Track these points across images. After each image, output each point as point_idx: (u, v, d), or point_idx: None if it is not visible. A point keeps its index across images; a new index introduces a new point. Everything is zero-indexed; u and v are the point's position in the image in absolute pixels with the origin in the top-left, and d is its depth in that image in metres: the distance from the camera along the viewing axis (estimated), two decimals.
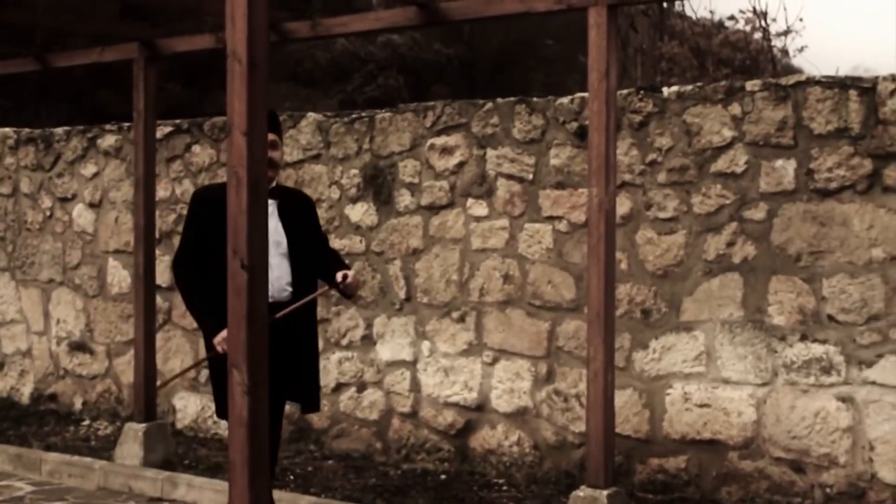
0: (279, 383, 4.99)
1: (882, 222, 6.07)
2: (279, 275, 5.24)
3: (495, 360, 7.34)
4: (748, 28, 15.33)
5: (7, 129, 10.10)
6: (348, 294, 5.47)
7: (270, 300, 4.72)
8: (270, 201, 5.06)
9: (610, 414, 5.90)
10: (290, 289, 5.32)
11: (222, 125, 8.49)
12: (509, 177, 7.30)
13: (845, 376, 6.15)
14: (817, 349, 6.24)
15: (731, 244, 6.52)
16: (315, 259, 5.48)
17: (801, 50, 17.20)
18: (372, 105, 14.94)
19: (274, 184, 5.36)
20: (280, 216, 5.33)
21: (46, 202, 9.66)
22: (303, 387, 5.41)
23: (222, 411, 5.19)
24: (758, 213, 6.44)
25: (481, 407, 7.39)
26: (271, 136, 5.08)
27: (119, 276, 9.16)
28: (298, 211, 5.47)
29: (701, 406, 6.59)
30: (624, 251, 6.79)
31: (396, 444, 7.67)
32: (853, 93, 6.16)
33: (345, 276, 5.34)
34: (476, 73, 21.15)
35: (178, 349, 8.82)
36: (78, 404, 9.41)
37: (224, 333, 4.69)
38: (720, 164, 6.57)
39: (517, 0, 6.19)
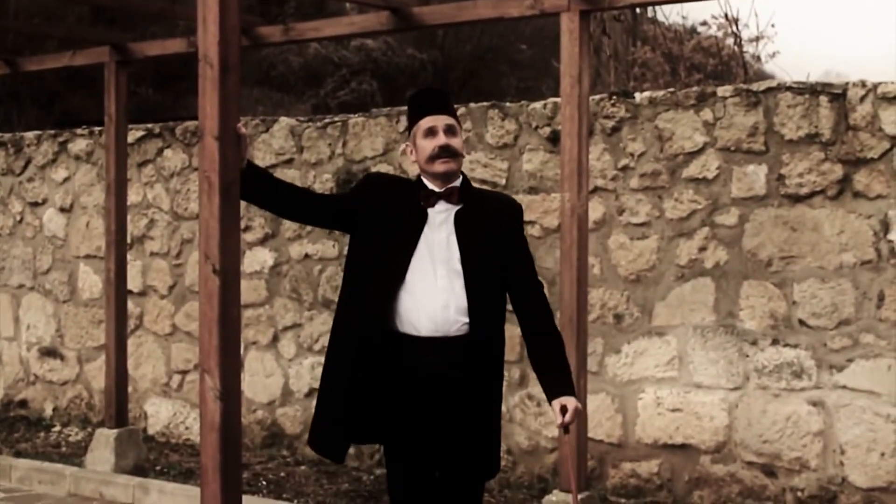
0: (446, 450, 3.97)
1: (852, 227, 6.11)
2: (446, 301, 3.91)
3: None
4: (720, 34, 15.39)
5: None
6: (566, 430, 4.13)
7: (436, 334, 3.89)
8: (445, 206, 4.02)
9: (582, 418, 5.91)
10: (464, 319, 3.92)
11: (194, 129, 8.46)
12: (482, 181, 7.30)
13: (816, 380, 6.19)
14: (788, 353, 6.27)
15: (703, 249, 6.55)
16: (510, 291, 4.15)
17: (772, 56, 17.24)
18: (345, 110, 14.95)
19: (458, 182, 4.07)
20: (456, 225, 4.01)
21: (17, 207, 9.59)
22: (478, 450, 4.05)
23: (317, 440, 4.14)
24: (729, 218, 6.47)
25: None
26: (448, 120, 4.03)
27: (90, 282, 9.11)
28: (490, 222, 4.07)
29: (673, 410, 6.61)
30: (596, 256, 6.81)
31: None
32: (824, 98, 6.20)
33: (563, 409, 4.06)
34: (449, 78, 21.15)
35: (149, 355, 8.78)
36: (49, 410, 9.34)
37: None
38: (692, 170, 6.59)
39: (490, 5, 6.20)
